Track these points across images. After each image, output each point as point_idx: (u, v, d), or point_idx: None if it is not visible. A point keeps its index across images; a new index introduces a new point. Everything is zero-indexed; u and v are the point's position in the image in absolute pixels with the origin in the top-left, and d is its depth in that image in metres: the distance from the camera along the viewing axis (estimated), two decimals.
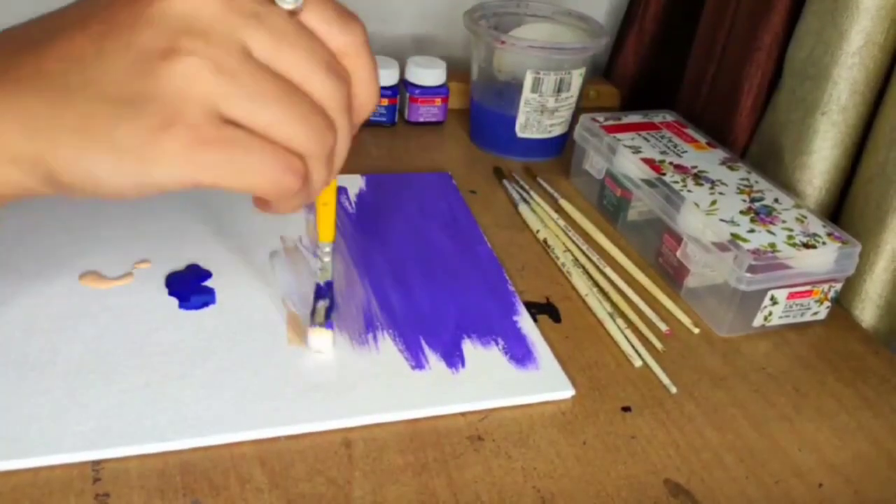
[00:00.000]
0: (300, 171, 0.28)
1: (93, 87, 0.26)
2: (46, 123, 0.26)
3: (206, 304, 0.47)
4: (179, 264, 0.50)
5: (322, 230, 0.40)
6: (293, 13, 0.28)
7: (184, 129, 0.26)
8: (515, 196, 0.64)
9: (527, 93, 0.67)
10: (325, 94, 0.28)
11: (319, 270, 0.42)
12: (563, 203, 0.64)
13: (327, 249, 0.42)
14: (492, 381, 0.45)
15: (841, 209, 0.61)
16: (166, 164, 0.26)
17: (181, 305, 0.47)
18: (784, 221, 0.54)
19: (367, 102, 0.31)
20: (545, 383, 0.45)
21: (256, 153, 0.27)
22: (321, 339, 0.43)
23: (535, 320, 0.50)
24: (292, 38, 0.28)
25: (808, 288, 0.52)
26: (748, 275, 0.49)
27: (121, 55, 0.26)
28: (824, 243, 0.52)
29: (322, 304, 0.42)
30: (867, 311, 0.58)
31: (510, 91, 0.69)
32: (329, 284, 0.42)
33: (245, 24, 0.27)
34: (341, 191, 0.61)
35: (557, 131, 0.71)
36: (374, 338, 0.47)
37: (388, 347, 0.46)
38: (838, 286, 0.53)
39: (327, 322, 0.43)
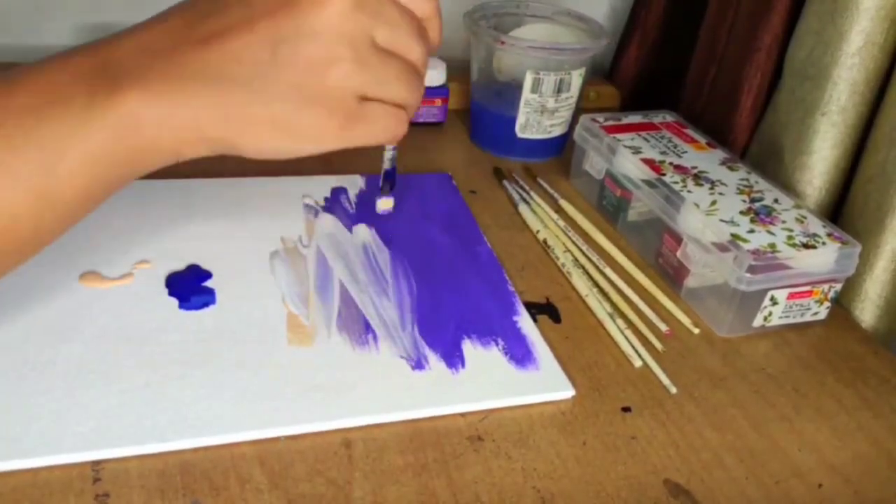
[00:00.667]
0: (406, 119, 0.38)
1: (275, 89, 0.33)
2: (239, 118, 0.33)
3: (206, 305, 0.47)
4: (179, 264, 0.50)
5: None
6: None
7: (342, 114, 0.34)
8: (515, 196, 0.64)
9: (527, 93, 0.67)
10: (418, 57, 0.36)
11: (389, 160, 0.53)
12: (563, 203, 0.64)
13: (390, 147, 0.52)
14: (492, 382, 0.45)
15: (841, 209, 0.61)
16: (330, 140, 0.35)
17: (181, 306, 0.47)
18: (784, 222, 0.54)
19: (437, 41, 0.39)
20: (545, 383, 0.45)
21: (383, 118, 0.36)
22: (386, 202, 0.55)
23: (535, 320, 0.50)
24: (400, 23, 0.35)
25: (807, 288, 0.52)
26: (748, 275, 0.49)
27: (293, 62, 0.33)
28: (824, 243, 0.52)
29: (388, 183, 0.53)
30: (867, 311, 0.58)
31: (510, 91, 0.69)
32: (394, 168, 0.53)
33: (373, 22, 0.34)
34: (341, 191, 0.61)
35: (557, 132, 0.71)
36: (375, 338, 0.47)
37: (387, 348, 0.46)
38: (838, 286, 0.54)
39: (391, 193, 0.54)
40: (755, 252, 0.50)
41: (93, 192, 0.33)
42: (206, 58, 0.32)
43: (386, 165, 0.53)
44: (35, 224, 0.32)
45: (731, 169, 0.60)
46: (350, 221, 0.57)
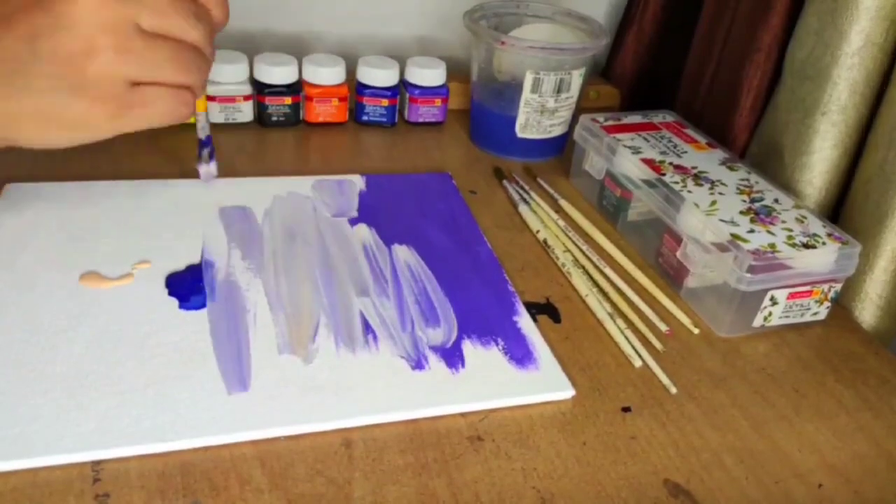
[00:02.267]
0: (190, 101, 0.39)
1: (38, 83, 0.34)
2: (7, 113, 0.35)
3: (206, 305, 0.47)
4: (179, 264, 0.50)
5: (198, 105, 0.53)
6: None
7: (112, 101, 0.36)
8: (515, 196, 0.64)
9: (527, 93, 0.67)
10: (197, 37, 0.38)
11: (200, 129, 0.55)
12: (563, 203, 0.64)
13: (202, 117, 0.55)
14: (492, 382, 0.45)
15: (841, 209, 0.62)
16: (105, 127, 0.36)
17: (181, 306, 0.47)
18: (784, 222, 0.54)
19: (222, 19, 0.41)
20: (545, 383, 0.45)
21: (160, 101, 0.37)
22: (207, 169, 0.58)
23: (535, 320, 0.50)
24: (166, 8, 0.36)
25: (807, 288, 0.52)
26: (748, 275, 0.49)
27: (53, 56, 0.34)
28: (824, 243, 0.52)
29: (206, 151, 0.57)
30: (867, 311, 0.58)
31: (510, 91, 0.69)
32: (208, 138, 0.56)
33: (135, 9, 0.35)
34: (341, 191, 0.61)
35: (557, 132, 0.71)
36: (374, 338, 0.47)
37: (387, 348, 0.46)
38: (838, 286, 0.54)
39: (211, 160, 0.57)
40: (755, 252, 0.50)
41: None
42: None
43: (199, 134, 0.56)
44: None
45: (731, 169, 0.60)
46: (350, 221, 0.57)
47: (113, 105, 0.36)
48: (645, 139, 0.63)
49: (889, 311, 0.57)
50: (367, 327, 0.47)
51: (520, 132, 0.70)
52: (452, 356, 0.46)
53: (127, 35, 0.35)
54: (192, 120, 0.55)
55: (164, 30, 0.36)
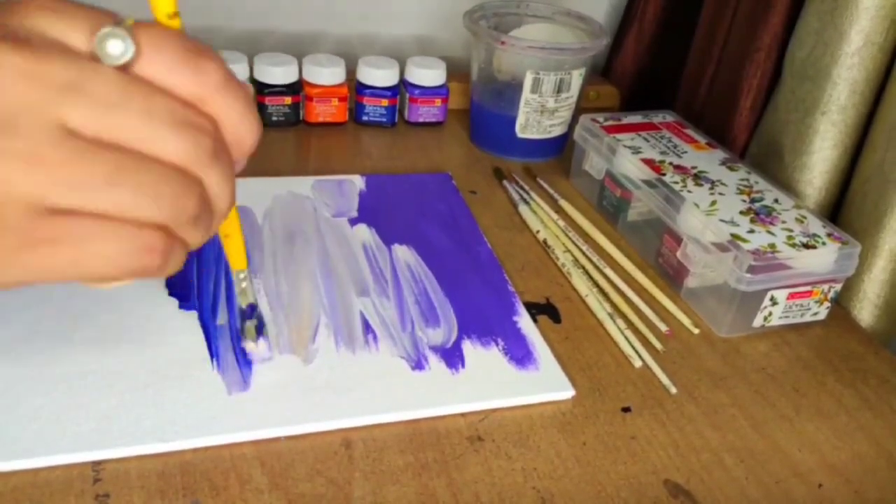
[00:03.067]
0: (158, 245, 0.25)
1: None
2: None
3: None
4: None
5: (232, 260, 0.38)
6: (124, 67, 0.24)
7: (9, 235, 0.23)
8: (515, 196, 0.64)
9: (527, 93, 0.67)
10: (176, 152, 0.25)
11: (239, 295, 0.41)
12: (563, 203, 0.64)
13: (242, 276, 0.40)
14: (492, 382, 0.45)
15: (840, 209, 0.61)
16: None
17: (181, 305, 0.47)
18: (784, 222, 0.54)
19: (245, 137, 0.28)
20: (545, 384, 0.45)
21: (98, 242, 0.24)
22: (257, 350, 0.43)
23: (535, 321, 0.50)
24: (121, 101, 0.24)
25: (807, 288, 0.52)
26: (748, 275, 0.49)
27: None
28: (824, 244, 0.52)
29: (251, 323, 0.42)
30: (865, 311, 0.58)
31: (510, 91, 0.69)
32: (251, 307, 0.41)
33: (59, 99, 0.23)
34: (342, 191, 0.61)
35: (557, 132, 0.71)
36: (374, 338, 0.47)
37: (387, 348, 0.46)
38: (838, 286, 0.53)
39: (259, 337, 0.42)
40: (755, 252, 0.50)
41: None
42: None
43: (239, 302, 0.41)
44: None
45: (731, 169, 0.60)
46: (350, 221, 0.57)
47: (9, 241, 0.23)
48: (645, 139, 0.63)
49: (887, 311, 0.57)
50: (367, 327, 0.47)
51: (520, 132, 0.70)
52: (452, 356, 0.46)
53: (41, 137, 0.23)
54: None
55: (113, 135, 0.24)
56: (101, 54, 0.24)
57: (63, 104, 0.23)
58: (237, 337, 0.45)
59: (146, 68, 0.25)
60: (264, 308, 0.47)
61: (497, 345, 0.47)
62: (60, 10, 0.24)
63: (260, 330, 0.42)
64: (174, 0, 0.26)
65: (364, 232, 0.56)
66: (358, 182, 0.63)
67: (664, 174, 0.58)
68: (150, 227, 0.25)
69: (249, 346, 0.42)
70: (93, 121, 0.23)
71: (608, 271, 0.56)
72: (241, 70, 0.68)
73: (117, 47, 0.24)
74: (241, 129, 0.27)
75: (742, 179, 0.59)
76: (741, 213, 0.54)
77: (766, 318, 0.52)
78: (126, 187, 0.24)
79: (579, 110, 0.70)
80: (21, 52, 0.22)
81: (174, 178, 0.25)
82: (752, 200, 0.56)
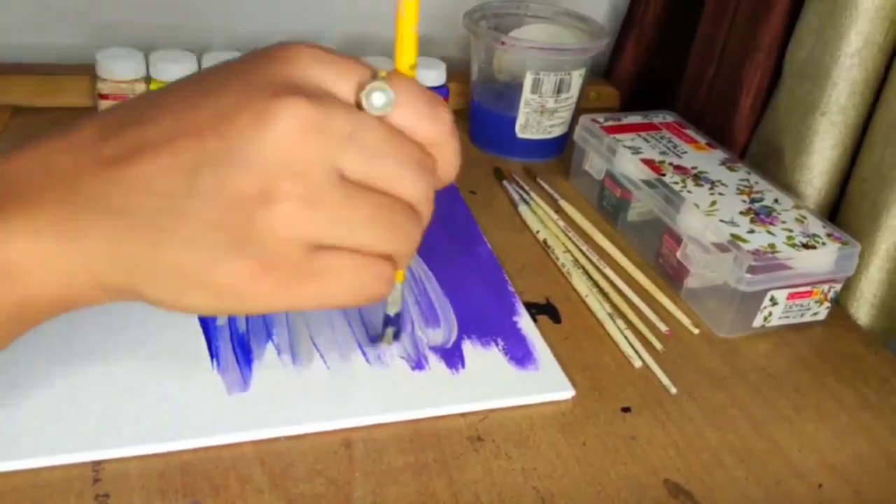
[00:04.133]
0: (389, 276, 0.29)
1: (187, 229, 0.25)
2: (140, 263, 0.26)
3: None
4: None
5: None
6: (382, 117, 0.28)
7: (281, 270, 0.26)
8: (515, 197, 0.64)
9: (527, 93, 0.67)
10: (414, 193, 0.29)
11: (388, 303, 0.43)
12: (563, 204, 0.64)
13: (397, 289, 0.42)
14: (492, 382, 0.45)
15: (840, 209, 0.62)
16: (262, 300, 0.27)
17: None
18: (784, 222, 0.54)
19: (449, 177, 0.32)
20: (545, 384, 0.45)
21: (347, 275, 0.27)
22: (384, 349, 0.46)
23: (535, 321, 0.50)
24: (385, 150, 0.27)
25: (807, 288, 0.52)
26: (748, 275, 0.49)
27: (214, 197, 0.25)
28: (824, 244, 0.52)
29: (391, 330, 0.45)
30: (862, 311, 0.58)
31: (510, 92, 0.69)
32: (398, 315, 0.44)
33: (340, 149, 0.26)
34: None
35: (557, 132, 0.71)
36: (374, 338, 0.46)
37: (387, 348, 0.46)
38: (838, 287, 0.54)
39: (394, 341, 0.46)
40: (755, 252, 0.50)
41: None
42: (109, 183, 0.25)
43: (387, 310, 0.44)
44: None
45: (730, 169, 0.60)
46: None
47: (282, 274, 0.26)
48: (645, 139, 0.63)
49: (884, 311, 0.57)
50: (367, 327, 0.47)
51: (520, 132, 0.70)
52: (452, 356, 0.46)
53: (323, 182, 0.26)
54: None
55: (373, 180, 0.27)
56: (367, 105, 0.27)
57: (343, 153, 0.26)
58: (237, 337, 0.45)
59: (398, 117, 0.28)
60: None
61: (497, 345, 0.47)
62: (331, 61, 0.27)
63: (397, 336, 0.46)
64: (416, 53, 0.30)
65: None
66: None
67: (664, 174, 0.58)
68: (384, 258, 0.28)
69: (380, 347, 0.45)
70: (360, 167, 0.27)
71: (608, 271, 0.56)
72: None
73: (380, 99, 0.27)
74: (451, 167, 0.31)
75: (742, 180, 0.59)
76: (741, 213, 0.54)
77: (766, 319, 0.53)
78: (380, 225, 0.27)
79: (579, 111, 0.70)
80: (314, 106, 0.25)
81: (411, 216, 0.29)
82: (752, 201, 0.56)
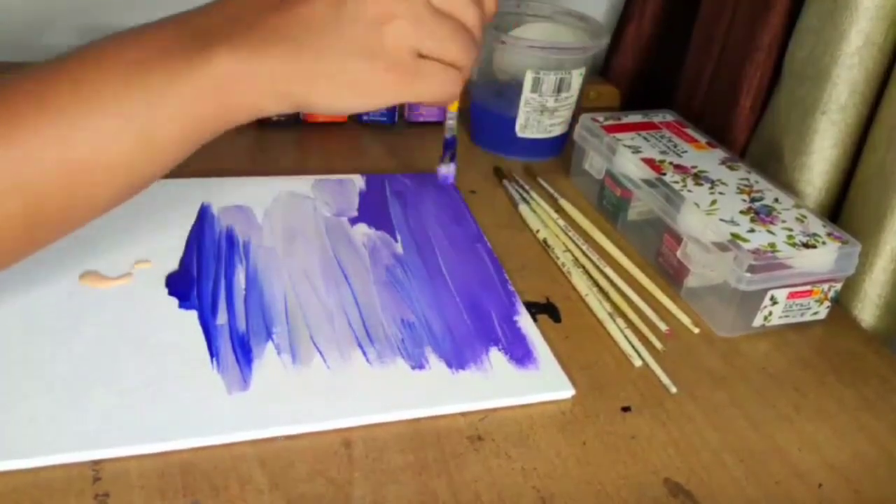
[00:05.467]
0: (460, 80, 0.40)
1: (338, 45, 0.36)
2: (309, 73, 0.36)
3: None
4: (179, 264, 0.50)
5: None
6: None
7: (401, 69, 0.37)
8: (515, 196, 0.64)
9: (527, 93, 0.67)
10: (473, 20, 0.39)
11: (448, 128, 0.56)
12: (563, 203, 0.64)
13: (452, 114, 0.55)
14: (492, 381, 0.45)
15: (840, 209, 0.61)
16: (390, 94, 0.38)
17: (181, 305, 0.47)
18: (784, 221, 0.54)
19: (493, 10, 0.42)
20: (545, 383, 0.45)
21: (438, 77, 0.38)
22: (447, 170, 0.58)
23: (535, 320, 0.50)
24: None
25: (808, 288, 0.52)
26: (748, 275, 0.49)
27: (354, 21, 0.36)
28: (824, 243, 0.52)
29: (449, 152, 0.57)
30: (866, 311, 0.58)
31: (510, 91, 0.69)
32: (454, 138, 0.57)
33: None
34: (343, 190, 0.61)
35: (557, 131, 0.71)
36: (375, 338, 0.46)
37: (387, 347, 0.46)
38: (838, 286, 0.53)
39: (451, 162, 0.57)
40: (755, 252, 0.50)
41: (185, 139, 0.36)
42: (278, 22, 0.36)
43: (446, 134, 0.56)
44: (132, 162, 0.36)
45: (731, 168, 0.60)
46: (350, 221, 0.57)
47: (401, 72, 0.37)
48: (645, 139, 0.63)
49: (888, 311, 0.57)
50: (367, 327, 0.47)
51: (520, 132, 0.70)
52: (452, 356, 0.46)
53: (421, 7, 0.37)
54: (453, 108, 0.55)
55: (449, 7, 0.38)
56: None
57: None
58: (237, 337, 0.45)
59: None
60: (264, 307, 0.47)
61: (497, 344, 0.47)
62: None
63: (452, 158, 0.58)
64: None
65: (364, 231, 0.56)
66: (358, 181, 0.63)
67: (664, 174, 0.58)
68: (455, 68, 0.39)
69: (442, 168, 0.58)
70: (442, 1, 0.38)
71: (608, 271, 0.56)
72: None
73: None
74: (492, 10, 0.42)
75: (742, 179, 0.59)
76: (741, 212, 0.54)
77: (766, 318, 0.52)
78: (456, 41, 0.38)
79: (579, 110, 0.70)
80: None
81: (472, 38, 0.39)
82: (752, 200, 0.56)
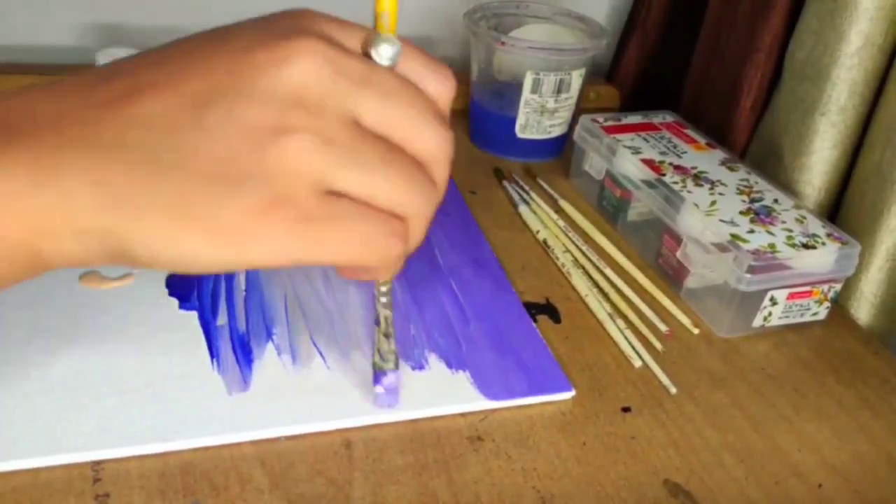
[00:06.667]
0: (403, 234, 0.27)
1: (190, 163, 0.24)
2: (131, 200, 0.23)
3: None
4: None
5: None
6: (391, 68, 0.28)
7: (291, 208, 0.24)
8: (515, 197, 0.64)
9: (526, 93, 0.67)
10: (436, 145, 0.28)
11: (382, 306, 0.39)
12: (563, 204, 0.64)
13: (385, 289, 0.38)
14: (491, 382, 0.45)
15: (840, 209, 0.62)
16: (268, 243, 0.25)
17: (181, 305, 0.47)
18: (784, 222, 0.54)
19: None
20: (545, 384, 0.45)
21: (361, 224, 0.26)
22: (390, 384, 0.41)
23: (535, 321, 0.50)
24: (400, 96, 0.27)
25: (807, 288, 0.52)
26: (748, 275, 0.49)
27: (223, 129, 0.24)
28: (824, 244, 0.52)
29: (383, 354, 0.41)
30: (863, 310, 0.58)
31: (510, 92, 0.69)
32: (389, 333, 0.40)
33: (356, 90, 0.26)
34: None
35: (557, 132, 0.71)
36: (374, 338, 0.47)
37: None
38: (838, 286, 0.54)
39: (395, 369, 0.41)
40: (755, 252, 0.50)
41: None
42: (102, 121, 0.24)
43: (380, 322, 0.39)
44: None
45: (730, 169, 0.60)
46: None
47: (291, 213, 0.24)
48: (645, 139, 0.63)
49: (884, 310, 0.57)
50: (367, 327, 0.47)
51: (520, 132, 0.70)
52: (452, 356, 0.46)
53: (338, 121, 0.25)
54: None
55: (388, 127, 0.26)
56: (376, 56, 0.27)
57: (359, 95, 0.26)
58: (237, 337, 0.45)
59: (405, 70, 0.28)
60: (264, 307, 0.47)
61: (497, 344, 0.47)
62: (336, 19, 0.28)
63: (395, 364, 0.40)
64: (395, 24, 0.29)
65: None
66: None
67: (664, 174, 0.58)
68: (397, 216, 0.27)
69: (381, 390, 0.41)
70: (377, 112, 0.26)
71: (608, 271, 0.56)
72: None
73: (389, 50, 0.27)
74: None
75: (742, 179, 0.59)
76: (741, 213, 0.54)
77: (765, 318, 0.53)
78: (394, 174, 0.26)
79: (579, 110, 0.70)
80: (330, 46, 0.25)
81: (422, 173, 0.27)
82: (752, 200, 0.56)
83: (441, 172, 0.28)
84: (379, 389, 0.41)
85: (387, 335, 0.39)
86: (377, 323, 0.39)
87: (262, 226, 0.24)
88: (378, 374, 0.40)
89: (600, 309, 0.52)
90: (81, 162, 0.23)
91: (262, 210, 0.24)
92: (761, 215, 0.54)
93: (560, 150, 0.73)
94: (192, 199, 0.24)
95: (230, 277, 0.49)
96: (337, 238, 0.26)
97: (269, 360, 0.44)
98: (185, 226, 0.24)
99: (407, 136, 0.27)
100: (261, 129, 0.24)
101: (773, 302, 0.52)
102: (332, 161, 0.25)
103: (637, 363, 0.49)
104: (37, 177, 0.23)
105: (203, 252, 0.24)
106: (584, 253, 0.58)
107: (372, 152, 0.26)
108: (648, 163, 0.60)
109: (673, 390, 0.47)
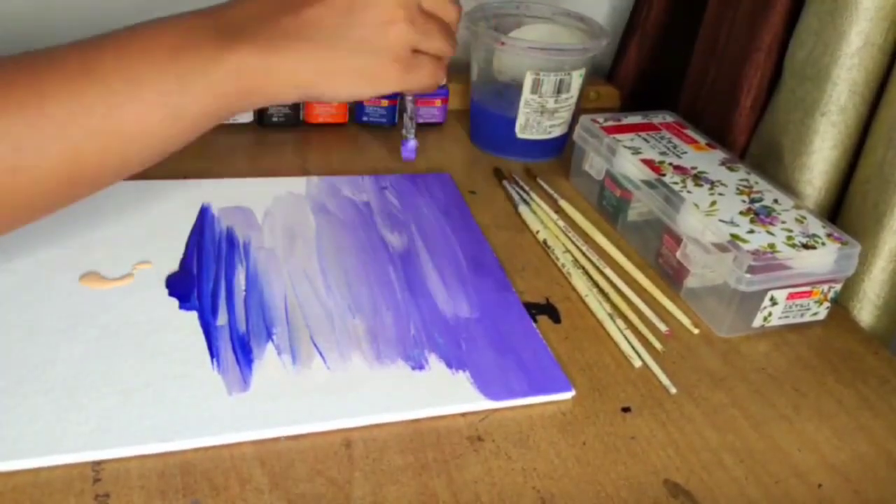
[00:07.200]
0: (446, 68, 0.48)
1: (349, 44, 0.42)
2: (325, 68, 0.42)
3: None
4: (179, 265, 0.50)
5: None
6: None
7: (402, 62, 0.44)
8: (515, 197, 0.64)
9: (526, 94, 0.68)
10: (452, 18, 0.47)
11: (409, 102, 0.58)
12: (563, 204, 0.64)
13: (409, 98, 0.58)
14: (491, 382, 0.45)
15: (840, 210, 0.62)
16: (394, 83, 0.44)
17: (181, 306, 0.47)
18: (784, 222, 0.54)
19: (460, 9, 0.48)
20: (545, 384, 0.45)
21: (429, 67, 0.45)
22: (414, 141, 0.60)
23: (535, 320, 0.50)
24: None
25: (807, 288, 0.52)
26: (748, 275, 0.49)
27: (362, 23, 0.42)
28: (824, 244, 0.52)
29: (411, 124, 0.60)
30: (865, 311, 0.58)
31: (510, 92, 0.69)
32: (414, 115, 0.59)
33: None
34: (341, 191, 0.61)
35: (557, 132, 0.71)
36: (374, 338, 0.46)
37: (387, 348, 0.46)
38: (838, 287, 0.54)
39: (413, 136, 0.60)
40: (755, 252, 0.50)
41: (208, 116, 0.40)
42: (297, 23, 0.41)
43: (407, 108, 0.59)
44: (161, 132, 0.39)
45: (730, 169, 0.60)
46: (351, 221, 0.57)
47: (402, 65, 0.44)
48: (645, 140, 0.63)
49: (887, 311, 0.57)
50: (367, 327, 0.47)
51: (520, 133, 0.70)
52: (452, 356, 0.46)
53: (414, 10, 0.43)
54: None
55: (434, 9, 0.45)
56: None
57: None
58: (237, 337, 0.45)
59: None
60: (264, 307, 0.47)
61: (496, 344, 0.47)
62: None
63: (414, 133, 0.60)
64: None
65: (364, 232, 0.56)
66: (357, 182, 0.63)
67: (664, 174, 0.58)
68: (440, 59, 0.47)
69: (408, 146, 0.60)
70: (430, 3, 0.45)
71: (608, 271, 0.56)
72: None
73: None
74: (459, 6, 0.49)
75: (742, 180, 0.59)
76: (741, 213, 0.54)
77: (765, 318, 0.53)
78: (442, 37, 0.45)
79: (579, 111, 0.71)
80: None
81: (451, 34, 0.47)
82: (752, 201, 0.56)
83: (456, 30, 0.48)
84: (406, 149, 0.60)
85: (411, 118, 0.59)
86: (405, 110, 0.58)
87: (392, 72, 0.43)
88: (404, 141, 0.60)
89: (600, 309, 0.52)
90: (297, 49, 0.41)
91: (387, 64, 0.43)
92: (761, 215, 0.54)
93: (560, 151, 0.73)
94: (356, 65, 0.43)
95: (230, 277, 0.49)
96: (420, 76, 0.45)
97: (269, 360, 0.44)
98: (353, 79, 0.43)
99: (443, 13, 0.46)
100: (381, 21, 0.42)
101: (773, 302, 0.52)
102: (416, 35, 0.44)
103: (637, 363, 0.49)
104: (270, 58, 0.40)
105: (366, 90, 0.44)
106: (584, 253, 0.58)
107: (431, 26, 0.44)
108: (648, 163, 0.60)
109: (673, 390, 0.47)
